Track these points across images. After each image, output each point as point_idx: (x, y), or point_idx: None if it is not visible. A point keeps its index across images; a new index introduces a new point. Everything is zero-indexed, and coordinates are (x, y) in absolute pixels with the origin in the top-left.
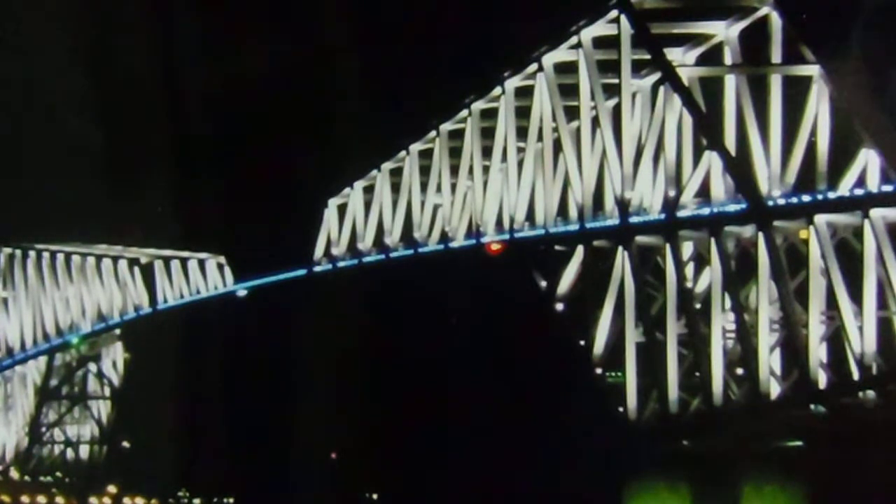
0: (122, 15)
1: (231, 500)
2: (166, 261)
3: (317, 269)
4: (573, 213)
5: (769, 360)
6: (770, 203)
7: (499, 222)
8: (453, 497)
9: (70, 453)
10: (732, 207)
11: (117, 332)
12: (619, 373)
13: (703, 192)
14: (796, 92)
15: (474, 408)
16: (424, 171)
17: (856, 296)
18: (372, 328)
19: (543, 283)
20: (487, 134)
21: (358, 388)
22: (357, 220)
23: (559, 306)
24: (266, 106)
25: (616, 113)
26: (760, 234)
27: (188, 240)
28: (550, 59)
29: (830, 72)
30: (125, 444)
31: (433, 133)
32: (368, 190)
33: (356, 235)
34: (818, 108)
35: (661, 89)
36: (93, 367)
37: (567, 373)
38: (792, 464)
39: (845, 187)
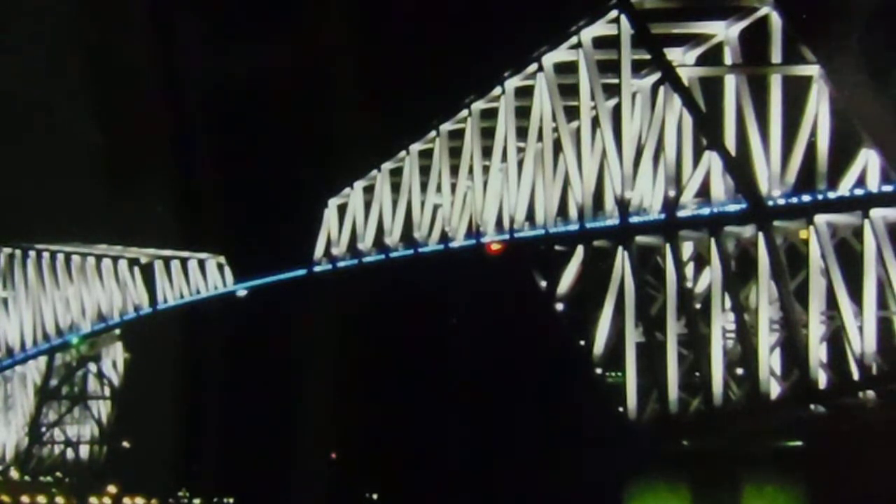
0: (122, 14)
1: (231, 500)
2: (166, 261)
3: (317, 269)
4: (573, 213)
5: (769, 360)
6: (770, 203)
7: (499, 222)
8: (453, 497)
9: (70, 453)
10: (732, 207)
11: (117, 332)
12: (619, 373)
13: (703, 192)
14: (796, 92)
15: (474, 407)
16: (424, 171)
17: (856, 296)
18: (372, 328)
19: (543, 283)
20: (487, 134)
21: (358, 388)
22: (357, 220)
23: (559, 306)
24: (266, 106)
25: (616, 113)
26: (760, 234)
27: (188, 240)
28: (550, 59)
29: (830, 72)
30: (125, 444)
31: (433, 133)
32: (368, 190)
33: (356, 235)
34: (818, 108)
35: (661, 89)
36: (93, 367)
37: (567, 373)
38: (792, 464)
39: (845, 187)
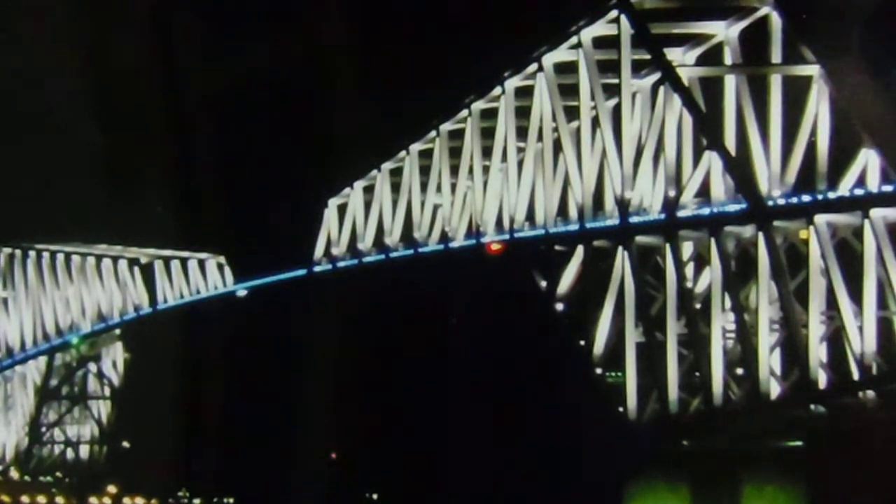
0: (122, 14)
1: (231, 500)
2: (166, 261)
3: (317, 269)
4: (573, 213)
5: (769, 360)
6: (770, 203)
7: (499, 222)
8: (453, 497)
9: (70, 453)
10: (732, 207)
11: (117, 332)
12: (619, 373)
13: (703, 192)
14: (796, 92)
15: (474, 408)
16: (424, 171)
17: (856, 296)
18: (372, 328)
19: (543, 283)
20: (487, 134)
21: (358, 388)
22: (357, 220)
23: (559, 306)
24: (266, 106)
25: (616, 113)
26: (760, 234)
27: (188, 240)
28: (550, 59)
29: (830, 72)
30: (125, 444)
31: (433, 133)
32: (368, 190)
33: (356, 235)
34: (818, 108)
35: (661, 89)
36: (93, 367)
37: (567, 373)
38: (792, 464)
39: (845, 187)
